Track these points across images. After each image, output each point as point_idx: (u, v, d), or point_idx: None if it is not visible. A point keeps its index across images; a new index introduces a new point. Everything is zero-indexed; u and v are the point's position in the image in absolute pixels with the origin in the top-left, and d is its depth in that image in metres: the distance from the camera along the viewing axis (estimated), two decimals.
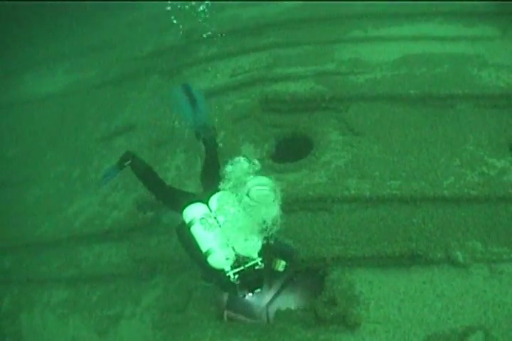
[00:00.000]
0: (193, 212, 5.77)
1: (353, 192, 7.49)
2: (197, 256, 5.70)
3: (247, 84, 9.39)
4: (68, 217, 9.61)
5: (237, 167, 5.86)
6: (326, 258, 7.06)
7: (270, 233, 5.66)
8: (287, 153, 8.53)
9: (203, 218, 5.67)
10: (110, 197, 9.33)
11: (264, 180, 5.64)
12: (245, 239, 5.56)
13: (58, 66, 14.10)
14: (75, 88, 12.92)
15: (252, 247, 5.60)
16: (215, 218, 5.71)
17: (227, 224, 5.62)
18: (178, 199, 6.16)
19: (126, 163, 6.64)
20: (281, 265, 6.07)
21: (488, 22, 10.12)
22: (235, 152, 8.33)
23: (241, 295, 5.89)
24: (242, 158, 5.94)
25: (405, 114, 8.36)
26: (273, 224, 5.60)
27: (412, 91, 8.44)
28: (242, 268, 5.56)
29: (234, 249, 5.57)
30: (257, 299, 7.98)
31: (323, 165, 8.03)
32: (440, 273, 6.82)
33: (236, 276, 5.53)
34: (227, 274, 5.52)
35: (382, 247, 7.02)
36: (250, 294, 5.79)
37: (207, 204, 5.85)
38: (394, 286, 6.85)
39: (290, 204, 7.35)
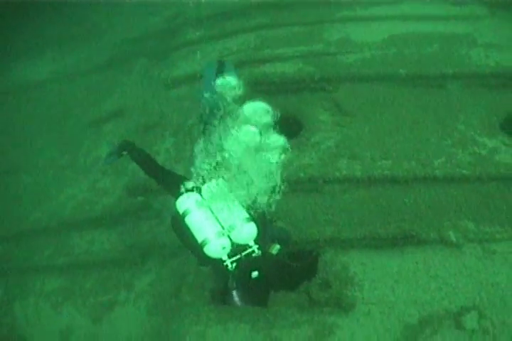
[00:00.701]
0: (187, 202, 5.63)
1: (344, 172, 7.40)
2: (193, 246, 5.57)
3: (235, 65, 9.20)
4: (58, 204, 9.47)
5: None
6: (318, 240, 6.95)
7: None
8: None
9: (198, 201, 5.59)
10: (100, 183, 9.19)
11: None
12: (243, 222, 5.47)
13: (45, 53, 13.76)
14: (63, 74, 12.66)
15: (248, 234, 5.49)
16: (209, 207, 5.59)
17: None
18: (177, 186, 6.00)
19: (124, 153, 6.54)
20: (274, 248, 5.92)
21: (477, 1, 9.93)
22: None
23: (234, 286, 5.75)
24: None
25: (395, 94, 8.24)
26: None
27: (401, 71, 8.31)
28: (239, 256, 5.47)
29: (230, 238, 5.45)
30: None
31: (314, 146, 7.91)
32: (433, 254, 6.75)
33: (233, 265, 5.44)
34: (225, 263, 5.43)
35: (375, 228, 6.94)
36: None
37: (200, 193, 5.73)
38: (387, 267, 6.77)
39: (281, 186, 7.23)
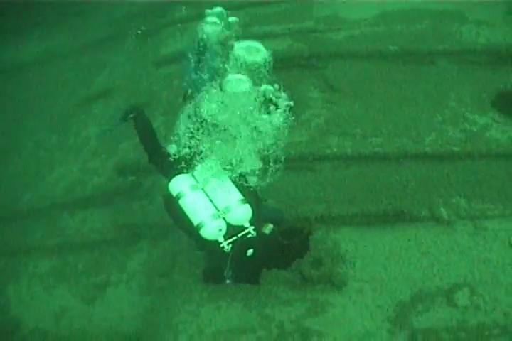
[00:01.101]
0: (180, 184, 5.58)
1: (334, 150, 7.34)
2: (189, 229, 5.56)
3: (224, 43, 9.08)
4: (49, 184, 9.39)
5: None
6: (309, 218, 6.89)
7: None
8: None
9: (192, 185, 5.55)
10: (90, 163, 9.10)
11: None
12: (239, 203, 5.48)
13: (33, 33, 13.55)
14: (51, 54, 12.47)
15: (243, 216, 5.54)
16: (203, 189, 5.56)
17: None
18: (169, 166, 5.94)
19: (131, 116, 6.38)
20: (267, 228, 5.95)
21: None
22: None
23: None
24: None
25: (385, 71, 8.16)
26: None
27: (391, 48, 8.22)
28: (235, 238, 5.49)
29: (225, 220, 5.45)
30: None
31: (304, 124, 7.82)
32: (425, 231, 6.69)
33: (229, 246, 5.47)
34: (221, 245, 5.44)
35: (366, 205, 6.89)
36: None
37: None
38: (379, 244, 6.72)
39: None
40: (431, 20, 8.81)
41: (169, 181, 5.68)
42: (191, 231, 5.53)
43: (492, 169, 6.96)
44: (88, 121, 9.89)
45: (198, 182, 5.62)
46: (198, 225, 5.41)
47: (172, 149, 5.83)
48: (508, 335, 5.93)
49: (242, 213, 5.53)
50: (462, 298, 6.15)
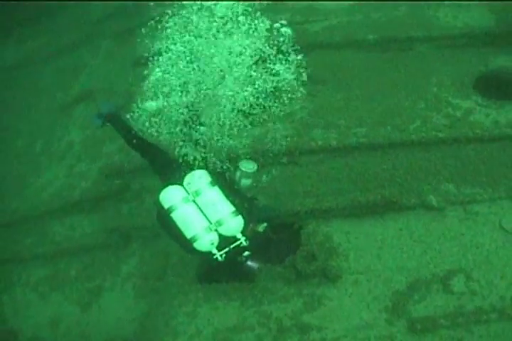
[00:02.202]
0: (171, 197, 5.54)
1: (319, 142, 7.16)
2: (182, 241, 5.56)
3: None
4: (36, 191, 9.22)
5: None
6: (299, 212, 6.76)
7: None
8: None
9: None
10: (76, 168, 8.91)
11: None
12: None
13: (8, 38, 13.23)
14: (29, 58, 12.17)
15: (236, 228, 5.55)
16: (194, 201, 5.52)
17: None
18: (162, 169, 6.09)
19: (107, 124, 6.55)
20: (261, 226, 5.97)
21: None
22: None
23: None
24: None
25: (365, 60, 8.00)
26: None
27: (370, 36, 8.06)
28: (228, 249, 5.57)
29: (218, 232, 5.45)
30: None
31: (287, 117, 7.65)
32: (415, 219, 6.60)
33: (223, 256, 5.51)
34: (215, 256, 5.47)
35: (355, 196, 6.75)
36: None
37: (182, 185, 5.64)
38: (371, 235, 6.62)
39: (257, 160, 6.98)
40: (407, 7, 8.62)
41: (160, 193, 5.61)
42: (184, 243, 5.52)
43: (478, 153, 6.83)
44: (70, 125, 9.67)
45: (188, 193, 5.54)
46: (191, 238, 5.42)
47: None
48: (506, 318, 5.84)
49: (234, 226, 5.53)
50: (458, 284, 6.08)
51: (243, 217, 5.60)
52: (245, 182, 6.32)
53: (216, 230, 5.48)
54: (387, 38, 8.02)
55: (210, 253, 5.51)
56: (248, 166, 6.25)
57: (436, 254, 6.32)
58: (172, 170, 5.98)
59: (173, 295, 6.82)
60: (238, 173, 6.27)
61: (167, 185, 5.67)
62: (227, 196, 5.61)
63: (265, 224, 5.99)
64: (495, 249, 6.25)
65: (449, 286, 6.07)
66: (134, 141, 6.43)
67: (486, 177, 6.68)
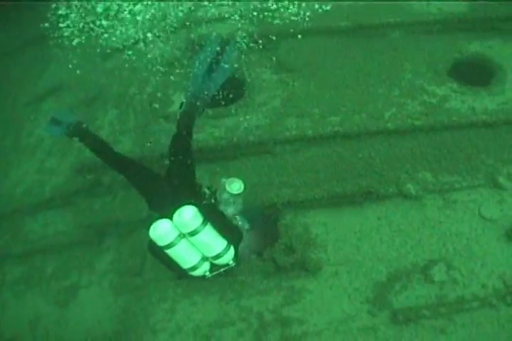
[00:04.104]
0: (165, 237, 5.24)
1: (293, 132, 6.88)
2: (177, 269, 5.49)
3: (171, 30, 8.49)
4: (7, 188, 8.75)
5: None
6: (276, 204, 6.51)
7: None
8: (221, 97, 7.85)
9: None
10: (46, 163, 8.47)
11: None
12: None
13: None
14: None
15: (229, 259, 5.52)
16: (184, 236, 5.29)
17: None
18: (146, 189, 5.77)
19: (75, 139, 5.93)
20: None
21: None
22: (167, 103, 7.69)
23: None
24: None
25: (338, 47, 7.67)
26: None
27: (342, 23, 7.72)
28: (219, 271, 5.62)
29: (211, 261, 5.51)
30: None
31: (260, 107, 7.35)
32: (394, 208, 6.39)
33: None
34: (206, 277, 5.60)
35: (332, 186, 6.50)
36: None
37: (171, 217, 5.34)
38: (349, 225, 6.40)
39: (231, 151, 6.88)
40: None
41: (150, 228, 5.34)
42: (179, 270, 5.48)
43: (455, 140, 6.62)
44: (40, 119, 9.15)
45: (178, 228, 5.25)
46: (187, 269, 5.40)
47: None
48: (488, 307, 5.73)
49: (228, 257, 5.50)
50: (438, 273, 5.92)
51: (234, 246, 5.56)
52: (232, 203, 5.97)
53: (210, 262, 5.47)
54: (359, 25, 7.68)
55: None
56: (234, 187, 5.82)
57: (415, 244, 6.15)
58: (157, 191, 5.65)
59: (151, 291, 6.58)
60: (225, 196, 5.86)
61: (156, 219, 5.40)
62: (219, 231, 5.43)
63: (248, 227, 5.84)
64: (475, 236, 6.10)
65: (430, 276, 5.92)
66: (110, 157, 5.93)
67: (463, 165, 6.48)
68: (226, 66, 6.07)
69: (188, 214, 5.26)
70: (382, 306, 5.90)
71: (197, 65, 6.08)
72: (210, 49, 6.19)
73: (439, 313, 5.75)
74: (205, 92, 5.99)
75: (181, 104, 6.01)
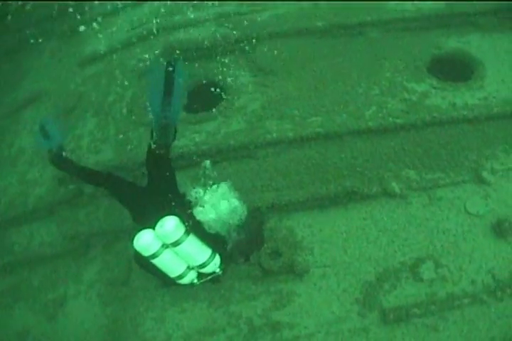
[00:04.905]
0: (149, 247, 5.24)
1: (274, 135, 6.73)
2: (164, 278, 5.61)
3: (148, 36, 8.30)
4: None
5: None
6: (260, 208, 6.34)
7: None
8: (200, 102, 7.68)
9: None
10: (29, 174, 8.22)
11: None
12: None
13: None
14: None
15: (215, 267, 5.57)
16: (168, 246, 5.28)
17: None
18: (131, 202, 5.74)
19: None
20: None
21: None
22: (146, 109, 7.28)
23: None
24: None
25: (315, 48, 7.51)
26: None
27: (319, 24, 7.57)
28: (206, 279, 5.68)
29: (197, 270, 5.56)
30: None
31: (239, 111, 7.20)
32: (379, 207, 6.26)
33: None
34: (194, 285, 5.70)
35: (316, 188, 6.36)
36: None
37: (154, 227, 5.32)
38: (335, 227, 6.26)
39: (212, 156, 6.66)
40: None
41: (135, 239, 5.33)
42: (167, 279, 5.60)
43: (438, 137, 6.51)
44: (20, 129, 8.94)
45: (161, 239, 5.24)
46: (174, 278, 5.49)
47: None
48: (479, 303, 5.65)
49: (213, 266, 5.54)
50: (427, 271, 5.83)
51: (220, 254, 5.59)
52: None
53: (197, 271, 5.55)
54: (336, 25, 7.55)
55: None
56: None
57: (402, 242, 6.03)
58: (140, 204, 5.61)
59: (139, 300, 6.43)
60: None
61: (140, 229, 5.38)
62: (203, 240, 5.42)
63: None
64: (462, 233, 6.00)
65: (419, 274, 5.82)
66: (91, 177, 5.96)
67: (447, 161, 6.37)
68: (181, 82, 5.77)
69: (170, 225, 5.22)
70: (372, 306, 5.79)
71: (150, 95, 5.78)
72: (156, 75, 5.86)
73: (429, 311, 5.67)
74: (170, 116, 5.70)
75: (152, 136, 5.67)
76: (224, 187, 5.64)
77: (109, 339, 6.42)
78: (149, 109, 5.71)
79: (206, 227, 5.44)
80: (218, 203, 5.49)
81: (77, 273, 7.12)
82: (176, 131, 5.61)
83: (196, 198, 5.51)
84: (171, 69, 5.47)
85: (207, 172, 5.77)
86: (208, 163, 5.82)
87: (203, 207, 5.43)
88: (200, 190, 5.58)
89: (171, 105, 5.48)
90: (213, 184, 5.70)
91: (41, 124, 5.90)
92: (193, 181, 5.79)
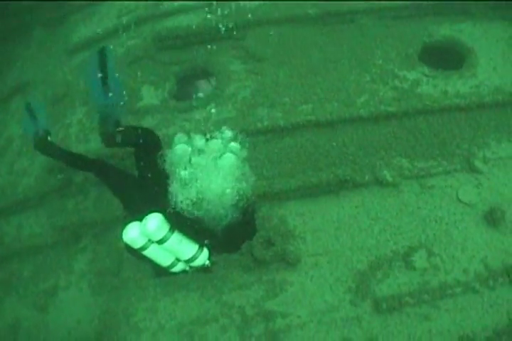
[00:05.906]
0: (137, 240, 5.25)
1: (265, 123, 6.60)
2: (157, 266, 5.62)
3: (136, 23, 8.12)
4: None
5: None
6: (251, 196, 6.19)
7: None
8: (190, 90, 7.55)
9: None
10: (17, 164, 8.04)
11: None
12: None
13: None
14: None
15: (204, 260, 5.58)
16: (153, 242, 5.28)
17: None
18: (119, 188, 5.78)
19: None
20: None
21: None
22: (136, 97, 7.37)
23: None
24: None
25: (306, 35, 7.38)
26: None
27: (310, 11, 7.41)
28: (196, 267, 5.70)
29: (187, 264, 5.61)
30: None
31: (230, 98, 7.07)
32: (371, 196, 6.18)
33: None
34: (187, 272, 5.77)
35: (307, 176, 6.25)
36: None
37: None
38: (327, 215, 6.17)
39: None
40: None
41: (123, 232, 5.33)
42: (160, 268, 5.62)
43: (429, 125, 6.43)
44: (8, 119, 8.75)
45: (146, 236, 5.24)
46: (167, 267, 5.53)
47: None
48: (471, 291, 5.59)
49: (203, 259, 5.57)
50: (420, 260, 5.76)
51: (207, 247, 5.60)
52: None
53: (187, 265, 5.62)
54: (327, 12, 7.39)
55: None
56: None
57: (395, 231, 5.96)
58: (131, 193, 5.59)
59: (131, 291, 6.29)
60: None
61: (129, 221, 5.39)
62: (188, 235, 5.41)
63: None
64: (454, 221, 5.93)
65: (411, 263, 5.75)
66: (80, 163, 5.90)
67: (439, 149, 6.30)
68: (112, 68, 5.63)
69: (153, 225, 5.20)
70: (365, 295, 5.72)
71: (89, 86, 5.74)
72: (91, 65, 5.72)
73: (422, 300, 5.61)
74: (110, 104, 5.58)
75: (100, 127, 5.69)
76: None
77: (101, 330, 6.29)
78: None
79: (205, 204, 5.39)
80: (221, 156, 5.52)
81: (67, 264, 6.97)
82: (118, 120, 5.62)
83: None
84: (101, 57, 5.49)
85: None
86: None
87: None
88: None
89: (109, 92, 5.46)
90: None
91: (28, 105, 5.83)
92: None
